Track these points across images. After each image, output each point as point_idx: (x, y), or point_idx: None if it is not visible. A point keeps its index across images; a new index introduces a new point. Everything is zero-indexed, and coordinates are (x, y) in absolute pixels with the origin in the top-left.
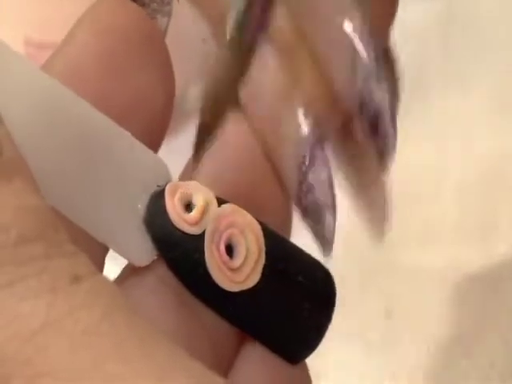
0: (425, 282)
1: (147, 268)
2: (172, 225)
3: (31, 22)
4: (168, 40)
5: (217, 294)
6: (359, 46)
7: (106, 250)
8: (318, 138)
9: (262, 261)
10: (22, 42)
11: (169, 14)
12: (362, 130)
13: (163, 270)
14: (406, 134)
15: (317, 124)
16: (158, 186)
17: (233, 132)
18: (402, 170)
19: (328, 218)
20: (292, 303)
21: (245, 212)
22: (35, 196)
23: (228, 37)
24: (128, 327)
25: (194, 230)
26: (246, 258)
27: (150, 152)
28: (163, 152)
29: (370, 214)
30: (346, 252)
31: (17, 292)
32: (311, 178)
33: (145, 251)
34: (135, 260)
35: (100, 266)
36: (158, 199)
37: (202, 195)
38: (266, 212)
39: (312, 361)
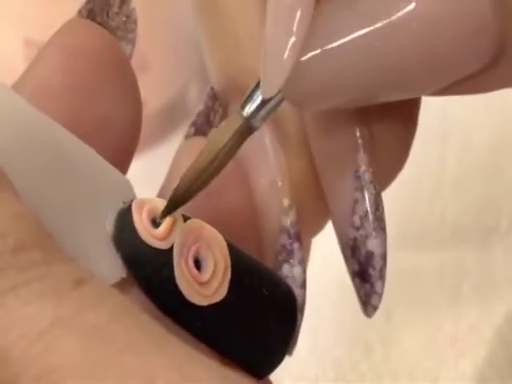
0: (423, 282)
1: (127, 293)
2: (140, 240)
3: (32, 23)
4: (169, 40)
5: (185, 308)
6: (362, 185)
7: None
8: (298, 234)
9: (229, 274)
10: (22, 42)
11: (133, 42)
12: (350, 271)
13: (139, 294)
14: None
15: (298, 221)
16: (123, 202)
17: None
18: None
19: None
20: (258, 316)
21: (210, 226)
22: (24, 205)
23: (241, 121)
24: (138, 327)
25: (162, 245)
26: (213, 271)
27: (115, 170)
28: (165, 151)
29: None
30: None
31: (21, 296)
32: (285, 270)
33: (114, 268)
34: (104, 277)
35: None
36: (125, 215)
37: None
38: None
39: (310, 361)
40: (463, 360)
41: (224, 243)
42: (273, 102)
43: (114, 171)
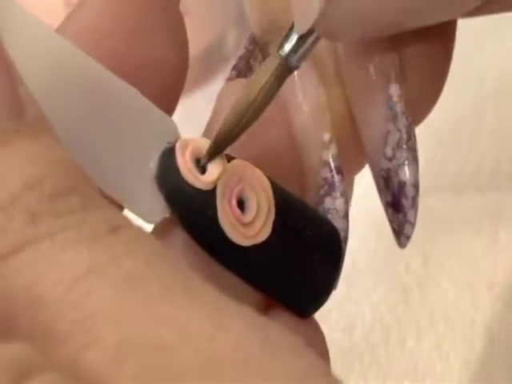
0: (461, 228)
1: (171, 233)
2: (183, 181)
3: None
4: None
5: (229, 249)
6: (395, 115)
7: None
8: (339, 168)
9: (272, 215)
10: (63, 1)
11: None
12: (383, 202)
13: (185, 236)
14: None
15: (339, 155)
16: (167, 143)
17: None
18: (439, 116)
19: None
20: (301, 256)
21: (254, 167)
22: (63, 150)
23: (279, 60)
24: (172, 274)
25: (205, 186)
26: (257, 212)
27: (159, 110)
28: (202, 96)
29: None
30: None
31: (57, 242)
32: (327, 203)
33: (157, 208)
34: (148, 217)
35: None
36: (168, 156)
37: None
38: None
39: (348, 306)
40: (499, 303)
41: (268, 183)
42: (310, 40)
43: (158, 112)
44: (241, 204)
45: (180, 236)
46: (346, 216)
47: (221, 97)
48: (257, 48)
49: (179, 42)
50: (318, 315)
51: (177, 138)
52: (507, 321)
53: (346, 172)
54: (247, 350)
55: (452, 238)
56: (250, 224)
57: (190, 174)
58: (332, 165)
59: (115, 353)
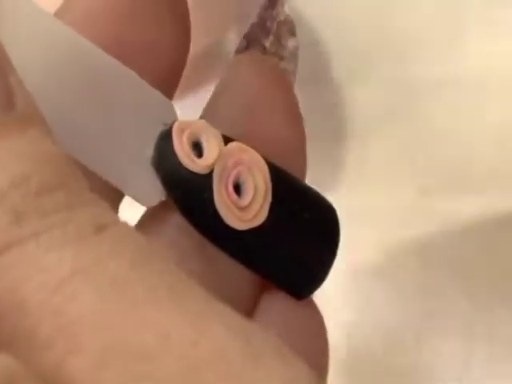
0: (462, 229)
1: (166, 218)
2: (180, 165)
3: None
4: None
5: (225, 232)
6: None
7: (119, 199)
8: None
9: (269, 198)
10: None
11: None
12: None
13: (181, 219)
14: (447, 75)
15: None
16: (164, 124)
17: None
18: (439, 116)
19: None
20: (298, 239)
21: (251, 150)
22: (51, 144)
23: None
24: (157, 275)
25: (202, 170)
26: (253, 196)
27: (157, 92)
28: (202, 97)
29: None
30: (385, 202)
31: (42, 243)
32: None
33: (154, 191)
34: (145, 200)
35: None
36: (165, 139)
37: (211, 137)
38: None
39: (346, 306)
40: (499, 303)
41: (265, 166)
42: None
43: (156, 93)
44: (237, 187)
45: (176, 219)
46: None
47: (228, 71)
48: (275, 9)
49: (181, 28)
50: None
51: (174, 119)
52: (507, 321)
53: None
54: (229, 357)
55: (452, 238)
56: (246, 208)
57: (186, 157)
58: None
59: (98, 359)
